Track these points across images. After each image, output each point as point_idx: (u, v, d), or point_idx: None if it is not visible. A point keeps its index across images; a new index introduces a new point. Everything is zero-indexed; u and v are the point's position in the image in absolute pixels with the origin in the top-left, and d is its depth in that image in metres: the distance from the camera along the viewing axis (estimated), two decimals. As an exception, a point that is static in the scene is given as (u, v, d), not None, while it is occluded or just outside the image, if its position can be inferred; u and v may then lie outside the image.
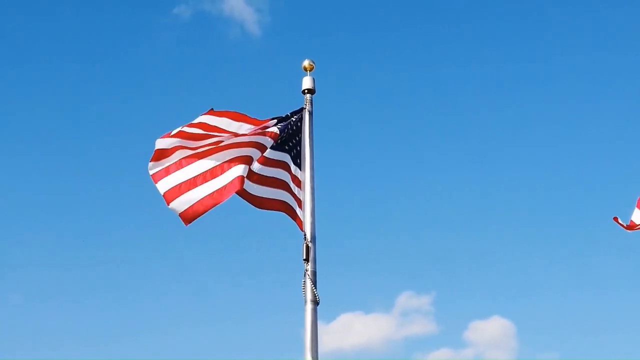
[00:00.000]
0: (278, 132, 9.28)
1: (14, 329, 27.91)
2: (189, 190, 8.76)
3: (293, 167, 9.50)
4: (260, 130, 9.20)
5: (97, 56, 33.59)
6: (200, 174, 8.81)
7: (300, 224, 9.19)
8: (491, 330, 30.11)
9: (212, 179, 8.80)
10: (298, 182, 9.41)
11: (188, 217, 8.72)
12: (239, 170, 8.72)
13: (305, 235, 9.07)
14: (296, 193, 9.35)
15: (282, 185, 9.30)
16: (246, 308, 29.13)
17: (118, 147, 32.29)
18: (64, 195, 31.55)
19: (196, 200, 8.71)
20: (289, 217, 9.27)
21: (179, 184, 8.75)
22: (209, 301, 29.53)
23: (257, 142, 9.07)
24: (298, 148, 9.58)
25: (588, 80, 33.83)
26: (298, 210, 9.25)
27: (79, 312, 28.57)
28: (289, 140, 9.49)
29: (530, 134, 33.36)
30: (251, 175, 9.02)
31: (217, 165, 8.84)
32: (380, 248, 31.25)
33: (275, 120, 9.47)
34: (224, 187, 8.73)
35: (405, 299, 30.58)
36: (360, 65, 34.26)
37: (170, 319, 28.82)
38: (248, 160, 8.86)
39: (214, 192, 8.75)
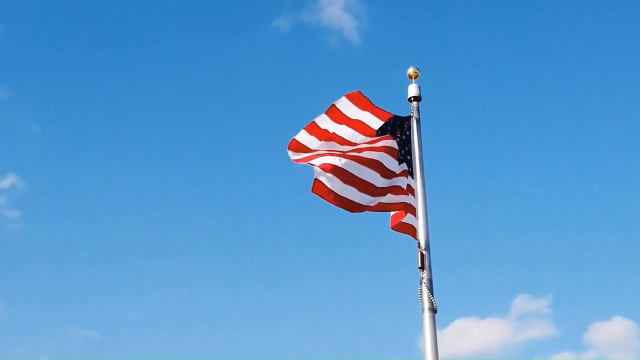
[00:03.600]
0: (397, 148, 9.41)
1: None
2: (342, 182, 9.05)
3: (409, 177, 9.51)
4: (383, 147, 9.37)
5: (200, 73, 34.37)
6: (354, 176, 9.12)
7: (414, 232, 9.20)
8: (613, 332, 29.32)
9: (362, 191, 9.13)
10: (412, 191, 9.42)
11: (323, 192, 9.02)
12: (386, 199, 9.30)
13: (419, 243, 9.07)
14: (410, 202, 9.38)
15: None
16: (364, 316, 29.19)
17: (223, 160, 32.97)
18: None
19: (341, 195, 9.04)
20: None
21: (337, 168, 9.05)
22: (326, 308, 29.75)
23: (384, 167, 9.30)
24: (409, 157, 9.58)
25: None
26: (413, 219, 9.27)
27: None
28: (400, 149, 9.53)
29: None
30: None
31: (369, 183, 9.18)
32: (494, 252, 30.87)
33: (391, 130, 9.59)
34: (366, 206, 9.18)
35: (522, 303, 30.08)
36: (465, 69, 33.95)
37: (297, 322, 29.16)
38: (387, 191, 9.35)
39: (358, 203, 9.13)
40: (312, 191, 8.94)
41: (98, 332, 29.11)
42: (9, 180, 31.34)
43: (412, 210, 9.29)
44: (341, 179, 9.03)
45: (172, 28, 34.74)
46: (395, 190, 9.36)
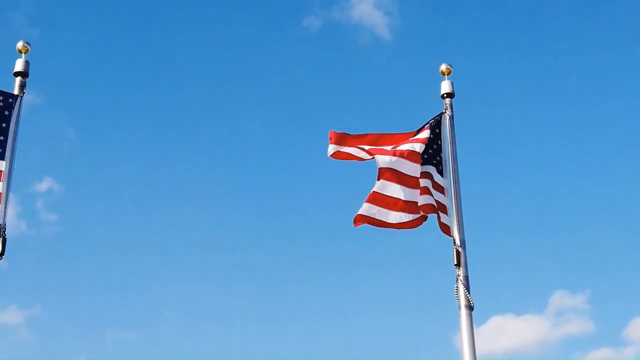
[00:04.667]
0: (421, 152, 9.32)
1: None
2: (379, 205, 9.10)
3: (436, 175, 9.45)
4: (408, 153, 9.27)
5: (231, 72, 34.48)
6: (389, 196, 9.14)
7: (446, 230, 9.16)
8: (654, 327, 28.90)
9: (396, 210, 9.12)
10: (441, 189, 9.37)
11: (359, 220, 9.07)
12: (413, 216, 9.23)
13: (454, 240, 9.04)
14: (440, 200, 9.31)
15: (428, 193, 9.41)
16: (400, 313, 29.15)
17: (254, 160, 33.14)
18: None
19: (376, 218, 9.07)
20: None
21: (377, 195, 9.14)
22: (363, 305, 29.77)
23: (412, 176, 9.22)
24: (440, 154, 9.51)
25: None
26: (443, 216, 9.22)
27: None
28: (428, 148, 9.43)
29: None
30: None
31: (401, 200, 9.16)
32: (531, 248, 30.62)
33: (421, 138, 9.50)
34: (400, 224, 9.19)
35: (559, 299, 29.82)
36: (498, 65, 33.72)
37: (336, 321, 29.22)
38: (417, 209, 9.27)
39: (392, 222, 9.14)
40: (354, 225, 9.03)
41: (135, 333, 29.34)
42: (45, 184, 31.68)
43: (443, 208, 9.25)
44: (381, 205, 9.07)
45: (204, 27, 34.92)
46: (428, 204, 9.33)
